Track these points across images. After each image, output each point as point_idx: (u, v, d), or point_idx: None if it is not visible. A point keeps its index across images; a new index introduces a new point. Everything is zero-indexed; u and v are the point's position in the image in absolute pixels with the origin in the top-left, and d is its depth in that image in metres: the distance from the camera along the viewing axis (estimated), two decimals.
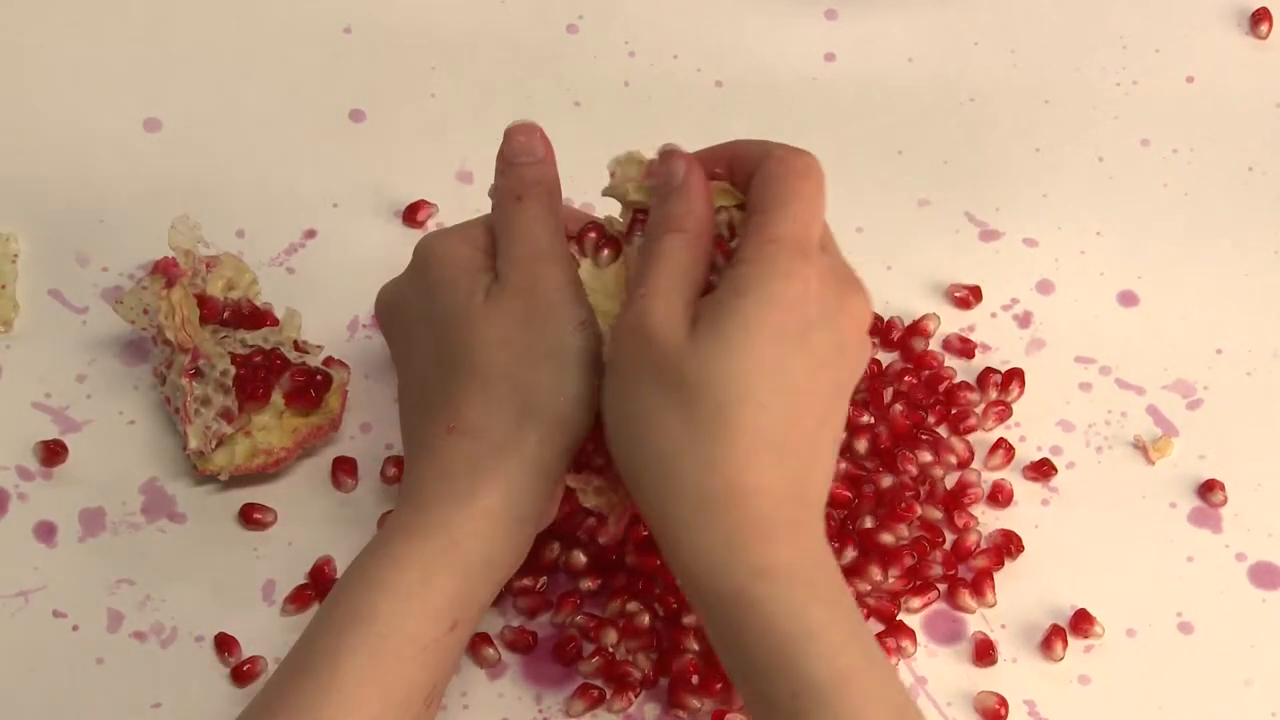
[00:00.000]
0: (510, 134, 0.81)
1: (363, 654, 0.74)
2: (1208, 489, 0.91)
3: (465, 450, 0.77)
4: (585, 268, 0.81)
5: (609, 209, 0.83)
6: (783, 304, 0.74)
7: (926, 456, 0.91)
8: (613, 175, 0.81)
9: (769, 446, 0.73)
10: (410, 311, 0.81)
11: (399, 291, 0.83)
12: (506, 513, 0.77)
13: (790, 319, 0.74)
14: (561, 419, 0.77)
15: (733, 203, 0.79)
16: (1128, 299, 0.97)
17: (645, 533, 0.88)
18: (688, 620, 0.87)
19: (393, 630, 0.75)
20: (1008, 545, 0.89)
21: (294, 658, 0.76)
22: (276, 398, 0.90)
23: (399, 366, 0.83)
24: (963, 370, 0.94)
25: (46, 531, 0.90)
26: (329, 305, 0.95)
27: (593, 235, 0.81)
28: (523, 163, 0.81)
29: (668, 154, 0.79)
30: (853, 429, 0.90)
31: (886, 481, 0.90)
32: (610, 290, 0.80)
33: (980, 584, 0.88)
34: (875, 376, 0.93)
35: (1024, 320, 0.96)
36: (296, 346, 0.92)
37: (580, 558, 0.88)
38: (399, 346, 0.83)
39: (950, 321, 0.95)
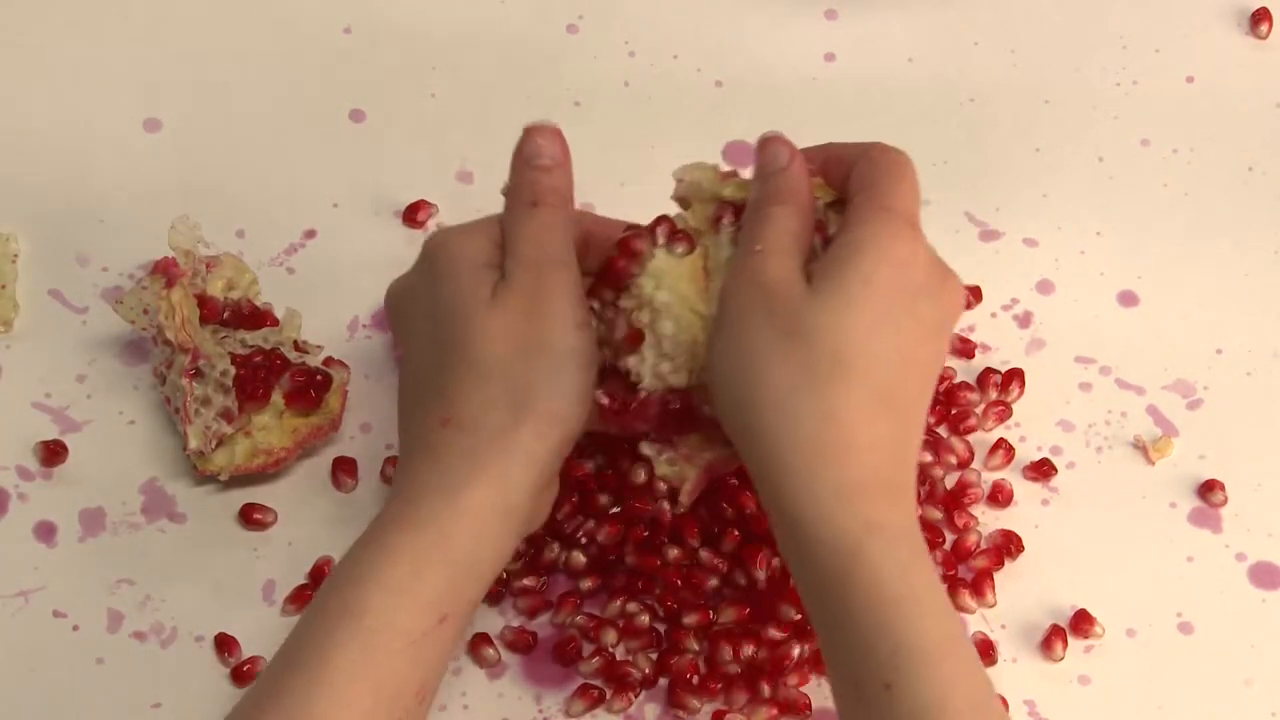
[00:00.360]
0: (530, 133, 0.82)
1: (353, 649, 0.74)
2: (1208, 489, 0.91)
3: (458, 443, 0.78)
4: (661, 257, 0.81)
5: (607, 208, 0.83)
6: (897, 263, 0.76)
7: (926, 456, 0.91)
8: (680, 181, 0.83)
9: (881, 402, 0.75)
10: (415, 305, 0.82)
11: (408, 286, 0.83)
12: (497, 507, 0.77)
13: (903, 280, 0.76)
14: (555, 415, 0.78)
15: (827, 198, 0.81)
16: (1128, 299, 0.97)
17: (645, 533, 0.88)
18: (688, 620, 0.87)
19: (383, 624, 0.75)
20: (1008, 545, 0.89)
21: (285, 653, 0.76)
22: (276, 398, 0.90)
23: (402, 357, 0.84)
24: (963, 370, 0.94)
25: (46, 531, 0.90)
26: (329, 305, 0.95)
27: (665, 226, 0.82)
28: (539, 165, 0.81)
29: (771, 139, 0.81)
30: None
31: None
32: (691, 275, 0.81)
33: (980, 584, 0.88)
34: None
35: (1024, 320, 0.96)
36: (296, 346, 0.92)
37: (580, 558, 0.88)
38: (404, 339, 0.84)
39: None
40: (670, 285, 0.81)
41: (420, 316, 0.81)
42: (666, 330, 0.81)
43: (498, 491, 0.77)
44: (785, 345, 0.75)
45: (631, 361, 0.81)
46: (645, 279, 0.81)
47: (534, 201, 0.81)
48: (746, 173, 0.83)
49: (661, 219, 0.82)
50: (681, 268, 0.81)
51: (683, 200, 0.84)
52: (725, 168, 0.83)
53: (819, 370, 0.74)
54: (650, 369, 0.81)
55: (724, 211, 0.82)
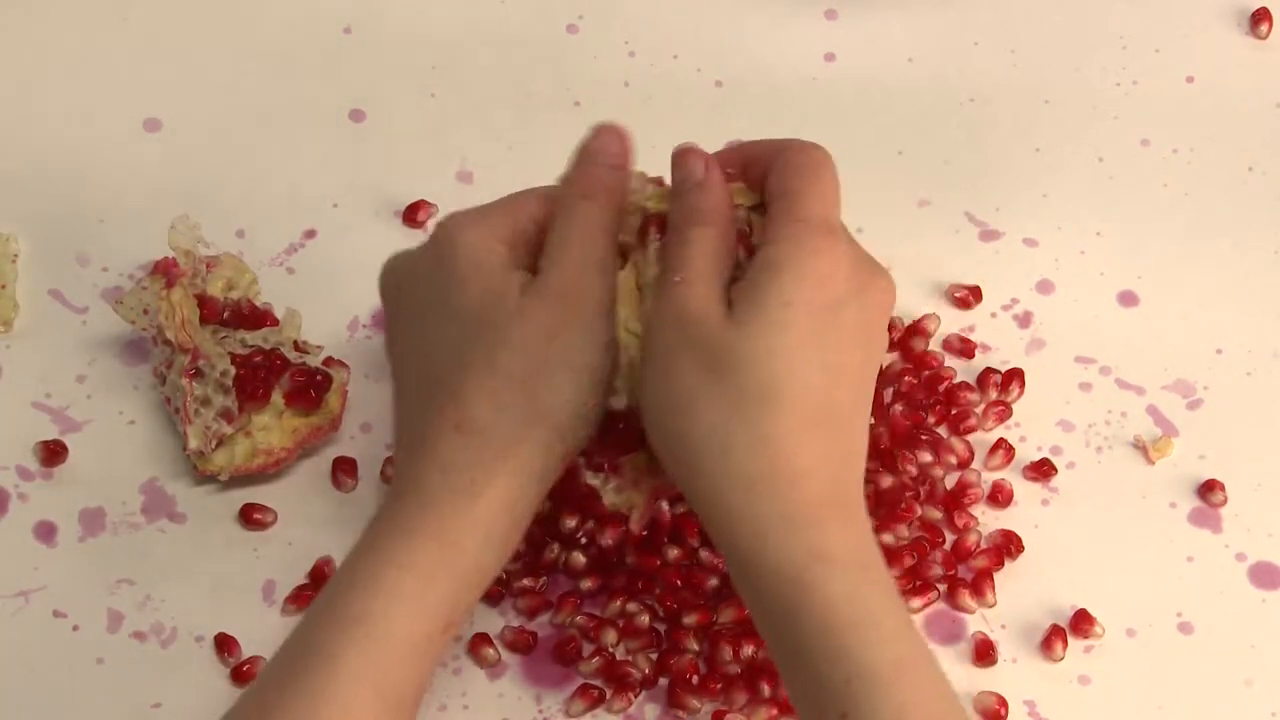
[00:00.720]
0: (600, 132, 0.81)
1: (359, 656, 0.74)
2: (1208, 489, 0.91)
3: (469, 450, 0.77)
4: None
5: None
6: (815, 279, 0.75)
7: (926, 457, 0.91)
8: None
9: (814, 424, 0.74)
10: (423, 295, 0.80)
11: (413, 271, 0.81)
12: (503, 517, 0.77)
13: (823, 294, 0.75)
14: (564, 429, 0.77)
15: (748, 202, 0.79)
16: (1128, 299, 0.97)
17: (644, 533, 0.88)
18: (688, 620, 0.87)
19: (390, 633, 0.74)
20: (1008, 545, 0.89)
21: (287, 659, 0.75)
22: (276, 398, 0.90)
23: (397, 346, 0.82)
24: (963, 370, 0.94)
25: (46, 531, 0.90)
26: (329, 305, 0.95)
27: None
28: (602, 163, 0.80)
29: (685, 152, 0.79)
30: None
31: (886, 482, 0.90)
32: (626, 293, 0.80)
33: (980, 584, 0.88)
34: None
35: (1024, 320, 0.96)
36: (296, 346, 0.92)
37: (580, 558, 0.88)
38: (402, 326, 0.81)
39: (950, 321, 0.95)
40: None
41: (432, 309, 0.79)
42: None
43: (504, 503, 0.76)
44: (712, 379, 0.74)
45: None
46: None
47: (588, 195, 0.79)
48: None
49: None
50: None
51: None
52: (651, 174, 0.82)
53: (748, 401, 0.73)
54: None
55: (650, 224, 0.80)
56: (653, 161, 0.86)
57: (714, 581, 0.87)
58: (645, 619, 0.87)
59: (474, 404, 0.77)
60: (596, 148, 0.80)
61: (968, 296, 0.96)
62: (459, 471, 0.76)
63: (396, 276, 0.82)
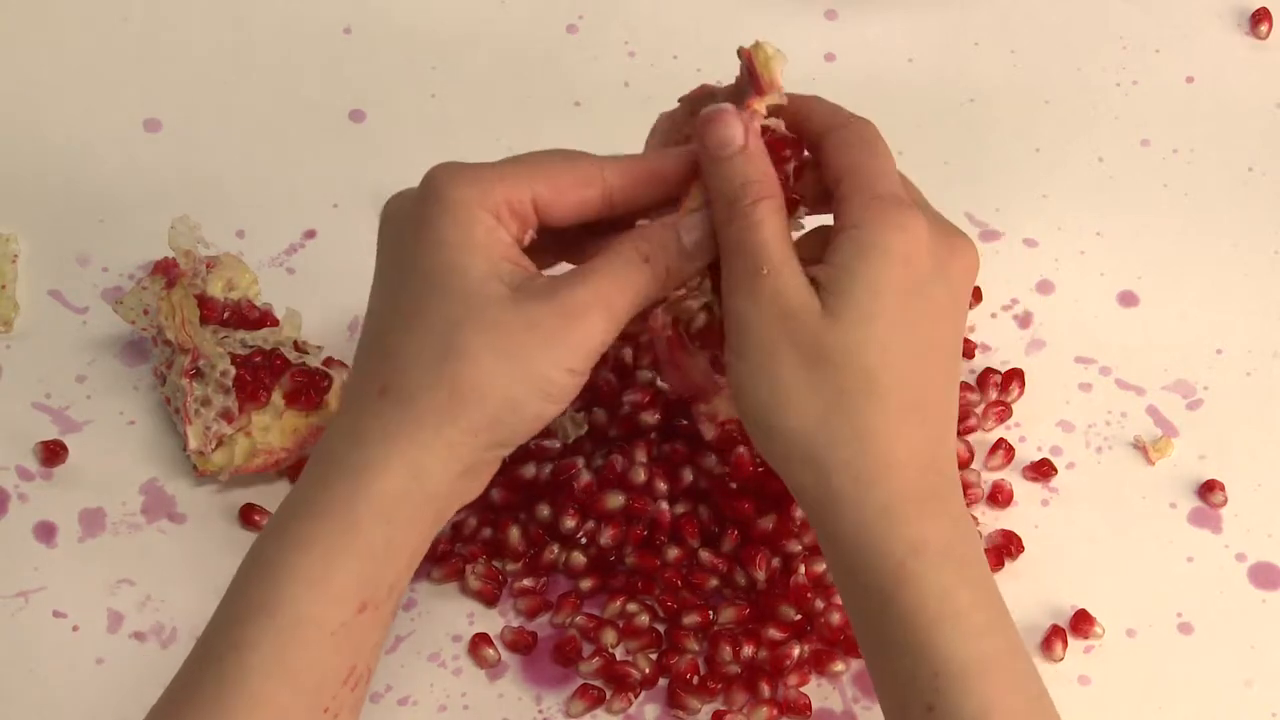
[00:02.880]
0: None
1: (266, 646, 0.72)
2: (1208, 489, 0.91)
3: (384, 419, 0.73)
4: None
5: None
6: (902, 259, 0.74)
7: None
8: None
9: (909, 411, 0.74)
10: (398, 246, 0.76)
11: (398, 218, 0.77)
12: (411, 493, 0.73)
13: (910, 274, 0.74)
14: (497, 422, 0.74)
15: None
16: (1128, 299, 0.97)
17: (644, 533, 0.88)
18: (688, 620, 0.87)
19: (296, 619, 0.72)
20: (1008, 545, 0.89)
21: (199, 651, 0.74)
22: (276, 398, 0.90)
23: (371, 296, 0.78)
24: (963, 370, 0.94)
25: (46, 531, 0.90)
26: (329, 305, 0.95)
27: None
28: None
29: (717, 116, 0.76)
30: None
31: None
32: None
33: None
34: None
35: (1024, 320, 0.96)
36: (296, 346, 0.92)
37: (580, 558, 0.88)
38: (378, 275, 0.78)
39: None
40: None
41: (400, 265, 0.76)
42: None
43: (410, 478, 0.73)
44: (813, 373, 0.73)
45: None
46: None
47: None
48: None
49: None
50: None
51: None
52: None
53: (848, 394, 0.73)
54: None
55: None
56: None
57: (714, 582, 0.87)
58: (645, 619, 0.87)
59: (405, 369, 0.74)
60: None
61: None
62: (368, 442, 0.73)
63: (388, 218, 0.78)
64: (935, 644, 0.71)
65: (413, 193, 0.77)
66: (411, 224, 0.76)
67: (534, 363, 0.74)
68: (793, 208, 0.77)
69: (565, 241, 0.79)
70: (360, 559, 0.73)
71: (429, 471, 0.74)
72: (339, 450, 0.74)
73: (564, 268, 0.78)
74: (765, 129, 0.77)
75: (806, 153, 0.79)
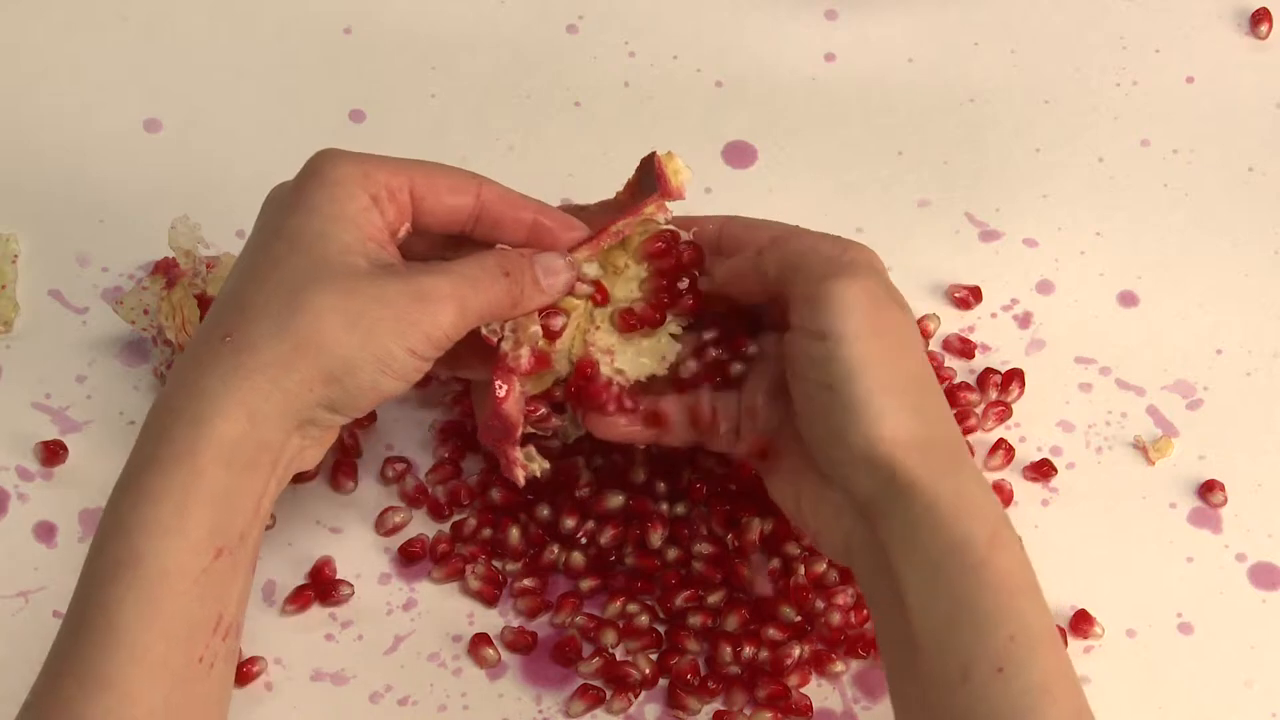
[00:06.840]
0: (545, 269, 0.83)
1: (133, 599, 0.73)
2: (1208, 489, 0.91)
3: (228, 364, 0.76)
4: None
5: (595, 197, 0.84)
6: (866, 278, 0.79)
7: None
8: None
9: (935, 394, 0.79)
10: (272, 213, 0.80)
11: (282, 196, 0.81)
12: (248, 437, 0.76)
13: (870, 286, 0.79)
14: (334, 381, 0.77)
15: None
16: (1128, 299, 0.97)
17: (643, 533, 0.88)
18: (688, 621, 0.87)
19: (159, 569, 0.74)
20: None
21: (71, 616, 0.75)
22: None
23: (239, 256, 0.81)
24: (963, 371, 0.94)
25: (46, 531, 0.90)
26: None
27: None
28: (558, 269, 0.83)
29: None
30: None
31: None
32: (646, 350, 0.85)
33: None
34: None
35: (1024, 320, 0.96)
36: None
37: (580, 558, 0.88)
38: (251, 238, 0.81)
39: (950, 322, 0.95)
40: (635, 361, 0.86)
41: (270, 228, 0.79)
42: None
43: (246, 423, 0.75)
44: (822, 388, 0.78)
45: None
46: None
47: (540, 283, 0.82)
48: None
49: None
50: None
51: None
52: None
53: (923, 385, 0.78)
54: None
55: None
56: None
57: (715, 582, 0.87)
58: (645, 619, 0.87)
59: (252, 320, 0.76)
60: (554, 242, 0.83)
61: (968, 297, 0.96)
62: (209, 388, 0.76)
63: (270, 198, 0.82)
64: (1020, 608, 0.74)
65: (293, 189, 0.81)
66: (289, 197, 0.80)
67: (376, 334, 0.76)
68: (688, 312, 0.84)
69: (429, 259, 0.82)
70: (208, 506, 0.75)
71: (265, 416, 0.76)
72: (178, 400, 0.76)
73: None
74: (674, 234, 0.84)
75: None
